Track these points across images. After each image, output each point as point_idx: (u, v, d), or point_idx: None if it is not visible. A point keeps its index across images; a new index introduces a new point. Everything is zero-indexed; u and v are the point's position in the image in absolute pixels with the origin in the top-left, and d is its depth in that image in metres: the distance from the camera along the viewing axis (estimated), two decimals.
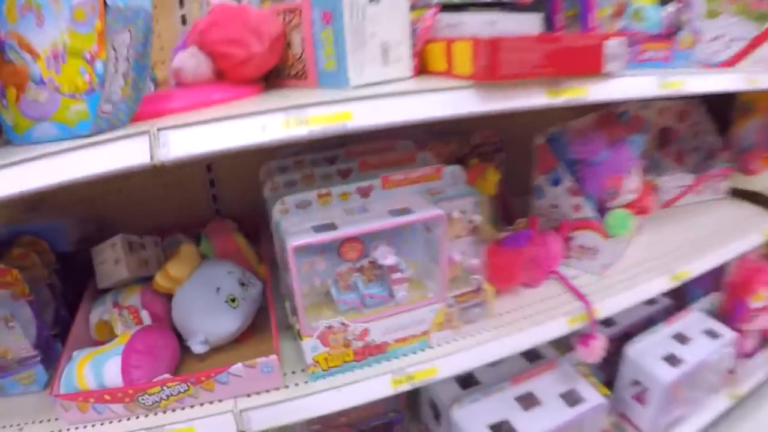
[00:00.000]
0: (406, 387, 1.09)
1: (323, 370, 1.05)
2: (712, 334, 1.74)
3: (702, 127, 2.07)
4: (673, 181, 1.89)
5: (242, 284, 1.19)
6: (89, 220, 1.47)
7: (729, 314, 1.92)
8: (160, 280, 1.18)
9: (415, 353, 1.12)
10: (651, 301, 1.91)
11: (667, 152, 2.02)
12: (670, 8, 1.26)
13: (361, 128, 0.85)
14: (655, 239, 1.67)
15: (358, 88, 0.92)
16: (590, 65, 0.96)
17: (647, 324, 1.77)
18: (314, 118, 0.81)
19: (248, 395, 1.02)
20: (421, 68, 1.07)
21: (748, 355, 1.93)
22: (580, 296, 1.29)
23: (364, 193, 1.12)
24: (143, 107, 0.86)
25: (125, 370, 1.00)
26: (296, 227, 1.01)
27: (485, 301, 1.16)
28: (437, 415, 1.47)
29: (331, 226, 1.02)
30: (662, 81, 1.14)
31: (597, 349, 1.31)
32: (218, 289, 1.15)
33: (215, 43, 1.02)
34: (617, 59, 0.98)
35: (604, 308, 1.31)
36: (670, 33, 1.26)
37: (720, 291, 1.97)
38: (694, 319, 1.82)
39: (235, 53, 1.02)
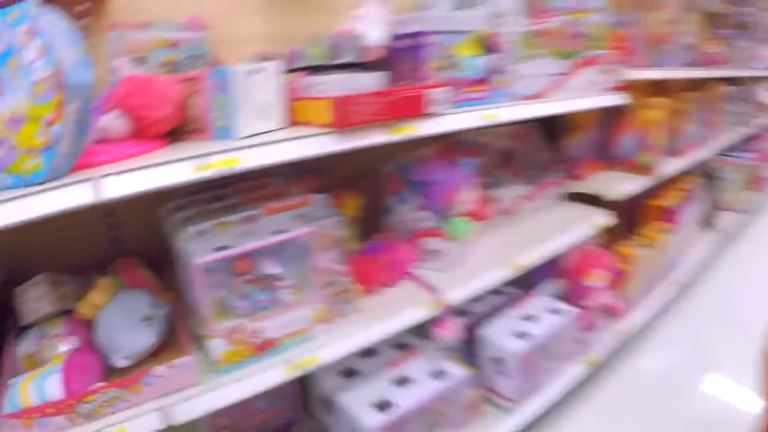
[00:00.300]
0: (297, 373, 1.40)
1: (229, 366, 1.35)
2: (556, 311, 2.21)
3: (537, 145, 2.55)
4: (511, 192, 2.34)
5: (153, 306, 1.46)
6: (6, 266, 1.68)
7: (570, 295, 2.41)
8: (83, 309, 1.43)
9: (300, 345, 1.45)
10: (499, 292, 2.38)
11: (509, 168, 2.48)
12: (491, 56, 1.68)
13: (248, 169, 1.18)
14: (497, 240, 2.12)
15: (243, 139, 1.25)
16: (415, 110, 1.35)
17: (498, 311, 2.20)
18: (215, 163, 1.13)
19: (170, 394, 1.30)
20: (292, 120, 1.41)
21: (594, 327, 2.43)
22: (431, 287, 1.68)
23: (252, 220, 1.44)
24: (80, 159, 1.14)
25: (66, 383, 1.24)
26: (199, 250, 1.32)
27: (353, 298, 1.52)
28: (328, 407, 1.80)
29: (227, 247, 1.33)
30: (482, 114, 1.57)
31: (451, 328, 1.70)
32: (135, 311, 1.42)
33: (133, 108, 1.34)
34: (439, 103, 1.38)
35: (454, 296, 1.71)
36: (489, 76, 1.69)
37: (561, 277, 2.45)
38: (539, 302, 2.28)
39: (149, 116, 1.33)
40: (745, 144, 5.20)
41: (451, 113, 1.49)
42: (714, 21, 5.35)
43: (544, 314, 2.18)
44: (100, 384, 1.26)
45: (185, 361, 1.29)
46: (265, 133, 1.31)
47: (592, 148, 2.77)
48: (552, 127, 2.63)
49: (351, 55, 1.57)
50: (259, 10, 1.91)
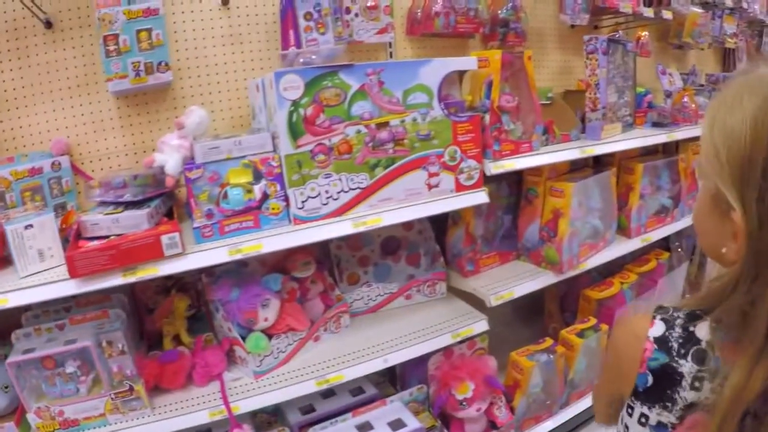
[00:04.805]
0: None
1: None
2: (397, 424, 2.68)
3: (426, 234, 3.18)
4: (378, 290, 3.02)
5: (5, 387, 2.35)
6: None
7: (437, 403, 2.90)
8: None
9: (97, 428, 2.31)
10: (361, 390, 2.93)
11: (397, 257, 3.14)
12: (263, 182, 2.29)
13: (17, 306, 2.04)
14: (333, 346, 2.79)
15: (24, 278, 2.10)
16: (153, 253, 2.14)
17: (342, 414, 2.75)
18: None
19: None
20: None
21: None
22: (223, 396, 2.44)
23: (60, 327, 2.33)
24: None
25: None
26: (16, 351, 2.22)
27: (139, 396, 2.34)
28: None
29: (32, 350, 2.23)
30: (234, 249, 2.26)
31: None
32: None
33: None
34: (173, 247, 2.15)
35: (248, 405, 2.45)
36: (259, 204, 2.29)
37: (430, 383, 2.94)
38: (388, 410, 2.77)
39: None
40: None
41: (198, 251, 2.22)
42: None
43: (382, 426, 2.67)
44: None
45: (7, 427, 2.20)
46: (45, 270, 2.15)
47: (491, 239, 3.29)
48: (443, 217, 3.14)
49: (150, 186, 2.37)
50: (117, 126, 2.74)
